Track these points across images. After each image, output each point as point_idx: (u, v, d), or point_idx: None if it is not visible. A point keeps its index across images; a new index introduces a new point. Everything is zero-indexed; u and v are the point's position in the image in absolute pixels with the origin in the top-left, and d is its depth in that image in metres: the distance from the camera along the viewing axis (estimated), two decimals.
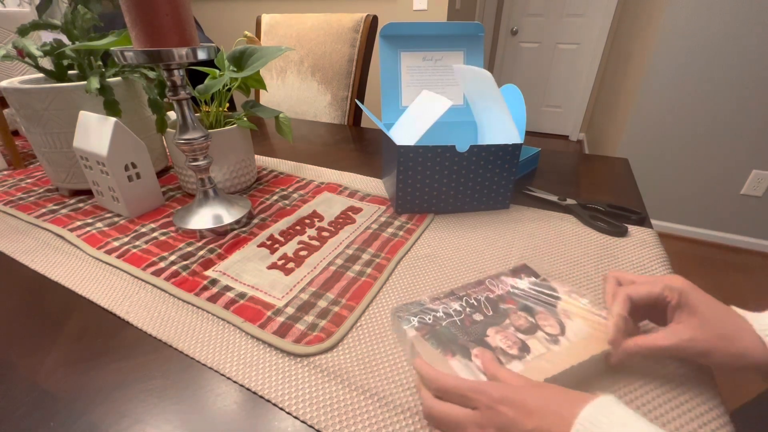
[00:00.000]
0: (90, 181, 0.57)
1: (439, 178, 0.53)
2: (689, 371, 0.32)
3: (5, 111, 0.80)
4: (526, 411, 0.25)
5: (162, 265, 0.46)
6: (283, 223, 0.54)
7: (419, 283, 0.43)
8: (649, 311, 0.33)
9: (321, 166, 0.74)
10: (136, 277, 0.45)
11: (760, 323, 0.29)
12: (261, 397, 0.31)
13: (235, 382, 0.33)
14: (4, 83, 0.56)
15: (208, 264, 0.46)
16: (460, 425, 0.27)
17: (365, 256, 0.47)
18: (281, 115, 0.63)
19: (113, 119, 0.51)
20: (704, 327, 0.29)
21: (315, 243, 0.50)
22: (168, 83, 0.45)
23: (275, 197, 0.62)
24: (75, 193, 0.63)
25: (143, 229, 0.53)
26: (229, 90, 0.61)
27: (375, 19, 1.09)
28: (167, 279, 0.44)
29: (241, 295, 0.41)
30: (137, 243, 0.50)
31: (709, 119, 1.60)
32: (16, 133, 0.88)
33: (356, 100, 0.85)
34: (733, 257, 1.72)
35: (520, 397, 0.26)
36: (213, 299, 0.41)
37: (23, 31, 0.54)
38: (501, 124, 0.56)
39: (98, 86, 0.52)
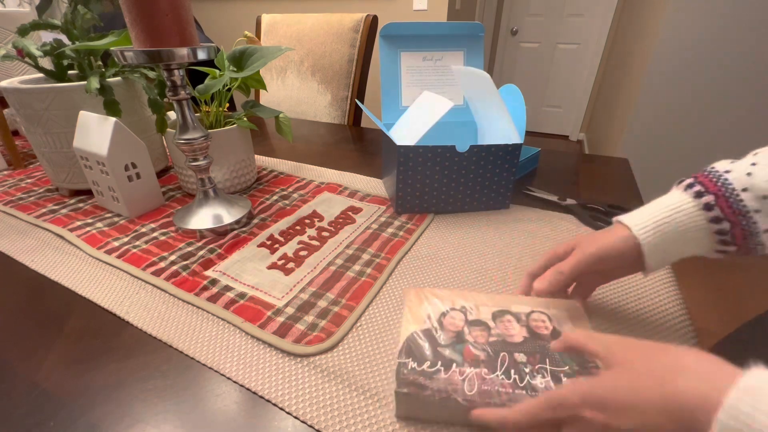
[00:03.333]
0: (90, 181, 0.57)
1: (439, 178, 0.53)
2: (668, 319, 0.36)
3: (5, 111, 0.80)
4: (616, 408, 0.21)
5: (162, 265, 0.46)
6: (283, 223, 0.54)
7: (419, 283, 0.43)
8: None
9: (321, 166, 0.74)
10: (136, 277, 0.45)
11: (631, 220, 0.32)
12: (261, 397, 0.31)
13: (235, 382, 0.33)
14: (4, 83, 0.56)
15: (208, 264, 0.46)
16: None
17: (365, 256, 0.47)
18: (281, 115, 0.63)
19: (113, 119, 0.51)
20: (587, 243, 0.33)
21: (315, 243, 0.50)
22: (168, 83, 0.45)
23: (275, 197, 0.62)
24: (75, 193, 0.63)
25: (143, 229, 0.53)
26: (229, 90, 0.61)
27: (375, 19, 1.09)
28: (167, 279, 0.44)
29: (241, 295, 0.41)
30: (137, 243, 0.50)
31: (709, 119, 1.60)
32: (16, 133, 0.88)
33: (356, 100, 0.85)
34: (733, 257, 1.72)
35: (604, 391, 0.21)
36: (213, 299, 0.41)
37: (23, 31, 0.54)
38: (501, 124, 0.56)
39: (98, 86, 0.52)
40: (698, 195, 0.29)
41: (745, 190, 0.28)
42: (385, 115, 0.72)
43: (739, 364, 0.20)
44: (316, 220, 0.55)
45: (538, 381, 0.28)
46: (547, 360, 0.29)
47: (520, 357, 0.30)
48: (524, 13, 2.92)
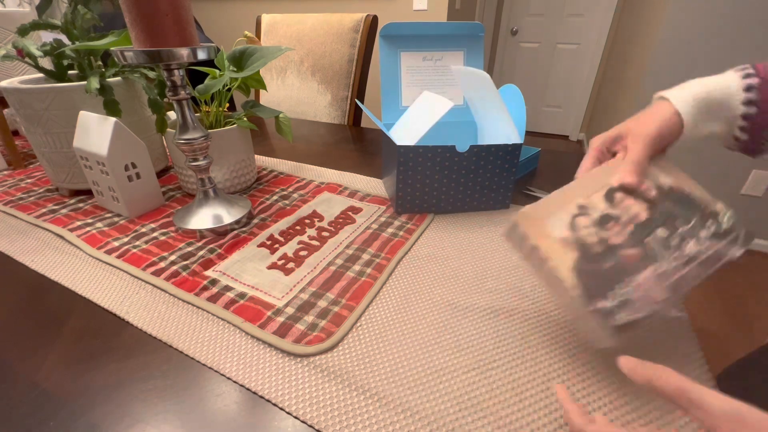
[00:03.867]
0: (90, 181, 0.57)
1: (439, 178, 0.53)
2: (676, 340, 0.36)
3: (5, 111, 0.80)
4: None
5: (162, 265, 0.46)
6: (283, 223, 0.54)
7: (419, 283, 0.43)
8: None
9: (321, 166, 0.74)
10: (136, 277, 0.45)
11: (675, 95, 0.33)
12: (261, 397, 0.31)
13: (235, 382, 0.33)
14: (4, 83, 0.56)
15: (208, 264, 0.46)
16: None
17: (365, 256, 0.47)
18: (281, 115, 0.63)
19: (113, 119, 0.51)
20: (642, 127, 0.33)
21: (315, 243, 0.50)
22: (168, 83, 0.45)
23: (275, 197, 0.62)
24: (75, 193, 0.63)
25: (143, 229, 0.53)
26: (229, 90, 0.61)
27: (375, 19, 1.09)
28: (167, 279, 0.44)
29: (241, 295, 0.41)
30: (137, 243, 0.50)
31: None
32: (16, 133, 0.88)
33: (356, 100, 0.85)
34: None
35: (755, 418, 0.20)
36: (213, 299, 0.41)
37: (23, 31, 0.54)
38: (500, 124, 0.56)
39: (98, 86, 0.52)
40: (747, 76, 0.31)
41: None
42: (385, 115, 0.72)
43: (758, 389, 0.19)
44: (316, 220, 0.55)
45: (690, 248, 0.30)
46: (677, 220, 0.31)
47: (662, 232, 0.31)
48: (524, 13, 2.92)
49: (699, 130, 0.33)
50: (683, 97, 0.33)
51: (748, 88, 0.31)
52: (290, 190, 0.64)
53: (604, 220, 0.32)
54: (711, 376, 0.32)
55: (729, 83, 0.32)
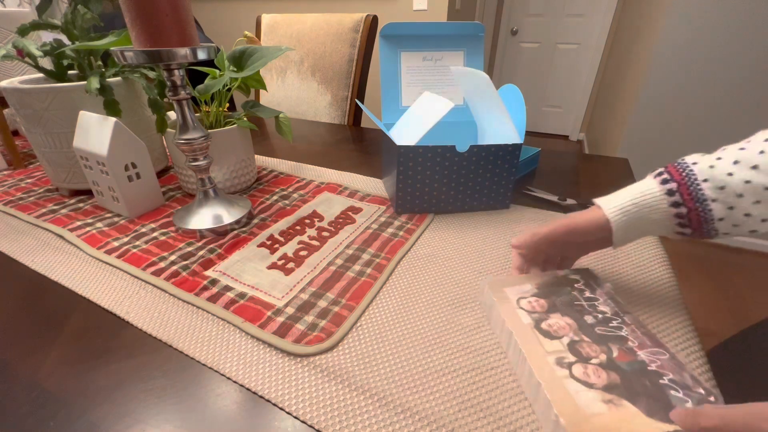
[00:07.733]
0: (90, 181, 0.57)
1: (439, 178, 0.53)
2: (668, 319, 0.38)
3: (5, 111, 0.80)
4: None
5: (162, 265, 0.46)
6: (283, 223, 0.54)
7: (419, 283, 0.43)
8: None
9: (321, 166, 0.74)
10: (136, 277, 0.45)
11: (605, 202, 0.36)
12: (261, 397, 0.31)
13: (235, 382, 0.33)
14: (4, 83, 0.56)
15: (208, 264, 0.46)
16: None
17: (365, 256, 0.47)
18: (281, 115, 0.63)
19: (113, 119, 0.51)
20: (563, 218, 0.38)
21: (315, 243, 0.50)
22: (168, 83, 0.45)
23: (275, 197, 0.62)
24: (75, 193, 0.63)
25: (143, 229, 0.53)
26: (229, 90, 0.61)
27: (375, 19, 1.09)
28: (167, 279, 0.44)
29: (241, 295, 0.41)
30: (137, 243, 0.50)
31: (709, 119, 1.60)
32: (16, 133, 0.88)
33: (356, 100, 0.85)
34: (733, 257, 1.72)
35: None
36: (213, 299, 0.41)
37: (23, 31, 0.54)
38: (500, 124, 0.56)
39: (98, 86, 0.52)
40: (664, 182, 0.33)
41: (705, 180, 0.32)
42: (385, 115, 0.72)
43: (745, 365, 0.20)
44: (316, 220, 0.55)
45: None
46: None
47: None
48: (524, 13, 2.92)
49: (633, 233, 0.35)
50: (614, 203, 0.35)
51: (670, 192, 0.33)
52: (290, 190, 0.64)
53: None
54: (707, 369, 0.32)
55: (649, 191, 0.34)
